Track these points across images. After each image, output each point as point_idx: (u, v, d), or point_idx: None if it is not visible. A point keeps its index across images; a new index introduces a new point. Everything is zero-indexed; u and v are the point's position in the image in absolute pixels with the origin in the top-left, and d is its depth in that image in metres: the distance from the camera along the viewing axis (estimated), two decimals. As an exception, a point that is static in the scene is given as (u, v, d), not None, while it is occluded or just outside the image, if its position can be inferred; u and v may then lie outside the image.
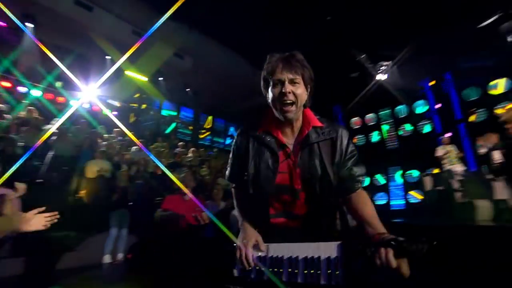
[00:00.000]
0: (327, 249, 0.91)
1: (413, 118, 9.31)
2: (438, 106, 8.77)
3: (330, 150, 1.09)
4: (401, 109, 9.60)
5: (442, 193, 6.26)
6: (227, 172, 1.26)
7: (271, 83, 1.06)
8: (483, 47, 7.84)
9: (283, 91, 1.02)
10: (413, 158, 8.64)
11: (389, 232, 0.91)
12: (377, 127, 9.98)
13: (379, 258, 0.80)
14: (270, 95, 1.07)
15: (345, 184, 1.09)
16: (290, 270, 0.93)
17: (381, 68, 8.87)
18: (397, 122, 9.65)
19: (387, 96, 8.80)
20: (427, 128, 8.99)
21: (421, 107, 9.19)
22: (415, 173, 8.70)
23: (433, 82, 8.78)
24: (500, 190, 4.83)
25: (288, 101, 1.03)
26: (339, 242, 0.91)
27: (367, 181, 9.38)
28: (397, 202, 8.91)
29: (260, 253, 1.02)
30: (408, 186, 8.83)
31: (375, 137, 10.02)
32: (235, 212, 1.23)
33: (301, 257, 0.94)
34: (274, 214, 1.12)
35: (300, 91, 1.04)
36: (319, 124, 1.12)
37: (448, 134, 7.22)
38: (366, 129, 10.20)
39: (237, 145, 1.19)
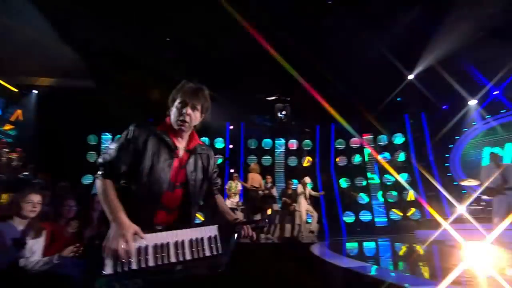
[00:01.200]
0: (209, 231, 1.25)
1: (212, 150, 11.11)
2: (231, 146, 11.12)
3: (207, 162, 1.48)
4: (205, 141, 11.20)
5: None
6: (110, 160, 1.24)
7: (178, 101, 1.35)
8: (266, 113, 11.17)
9: (184, 112, 1.32)
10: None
11: None
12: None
13: (245, 232, 1.30)
14: (174, 109, 1.35)
15: (212, 188, 1.52)
16: (178, 251, 1.13)
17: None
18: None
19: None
20: (218, 161, 11.02)
21: (219, 143, 11.21)
22: (202, 198, 10.18)
23: (231, 127, 11.12)
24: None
25: (185, 120, 1.33)
26: (217, 225, 1.29)
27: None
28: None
29: (141, 244, 1.07)
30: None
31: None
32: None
33: (187, 240, 1.17)
34: (158, 206, 1.28)
35: (195, 116, 1.37)
36: (200, 143, 1.49)
37: (232, 171, 9.27)
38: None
39: (134, 136, 1.28)
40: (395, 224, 10.29)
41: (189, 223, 1.34)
